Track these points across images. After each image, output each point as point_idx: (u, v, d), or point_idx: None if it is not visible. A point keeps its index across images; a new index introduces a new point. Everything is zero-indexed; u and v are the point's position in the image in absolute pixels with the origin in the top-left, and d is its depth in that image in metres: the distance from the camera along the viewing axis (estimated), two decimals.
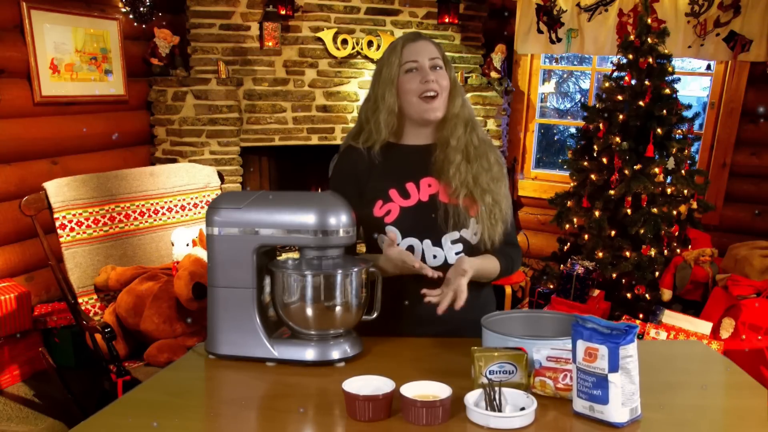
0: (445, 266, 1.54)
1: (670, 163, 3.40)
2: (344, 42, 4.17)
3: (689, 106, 3.51)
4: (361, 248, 1.71)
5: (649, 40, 3.40)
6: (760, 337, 2.90)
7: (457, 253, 1.56)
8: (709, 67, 4.17)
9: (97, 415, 1.17)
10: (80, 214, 2.46)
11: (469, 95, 3.11)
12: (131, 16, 3.66)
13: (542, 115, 5.25)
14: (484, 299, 1.68)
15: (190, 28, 3.97)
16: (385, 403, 1.14)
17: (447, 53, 1.65)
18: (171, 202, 2.76)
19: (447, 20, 4.29)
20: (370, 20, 4.25)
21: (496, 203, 1.57)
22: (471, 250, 1.58)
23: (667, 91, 3.38)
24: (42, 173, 3.22)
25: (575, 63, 6.03)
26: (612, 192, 3.42)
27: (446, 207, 1.55)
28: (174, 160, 3.91)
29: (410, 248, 1.55)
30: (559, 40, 4.37)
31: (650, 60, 3.39)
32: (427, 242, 1.55)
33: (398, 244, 1.55)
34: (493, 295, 1.75)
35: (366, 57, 4.25)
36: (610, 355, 1.10)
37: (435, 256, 1.56)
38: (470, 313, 1.45)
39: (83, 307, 2.43)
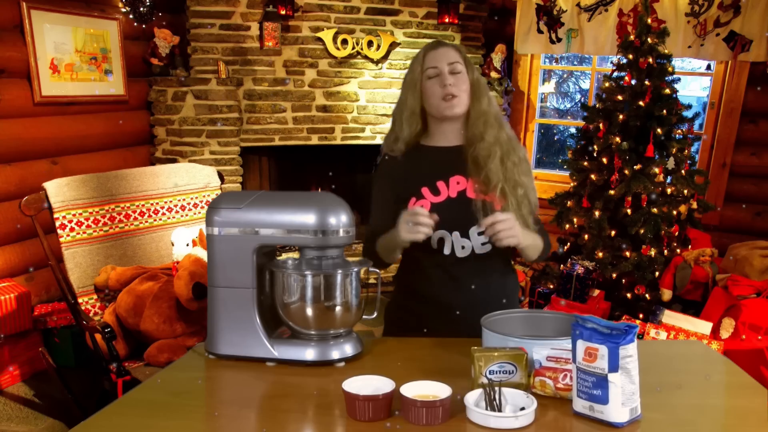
0: (473, 256, 1.64)
1: (670, 163, 3.40)
2: (344, 42, 4.17)
3: (689, 106, 3.51)
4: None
5: (649, 40, 3.40)
6: (760, 337, 2.90)
7: (483, 244, 1.64)
8: (709, 67, 4.17)
9: (97, 415, 1.17)
10: (80, 214, 2.46)
11: None
12: (131, 16, 3.66)
13: (542, 115, 5.25)
14: (512, 281, 1.80)
15: (190, 28, 3.97)
16: (385, 403, 1.14)
17: None
18: (171, 202, 2.76)
19: (447, 20, 4.29)
20: (370, 20, 4.25)
21: (526, 196, 1.65)
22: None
23: (667, 91, 3.38)
24: (42, 173, 3.22)
25: (575, 63, 6.03)
26: (612, 192, 3.42)
27: (473, 202, 1.63)
28: (174, 160, 3.91)
29: (440, 240, 1.65)
30: (559, 40, 4.37)
31: (650, 60, 3.39)
32: (456, 234, 1.64)
33: (430, 235, 1.64)
34: (516, 283, 1.85)
35: (366, 57, 4.25)
36: (610, 355, 1.10)
37: (463, 247, 1.65)
38: (498, 302, 1.57)
39: (83, 307, 2.43)
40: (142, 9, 3.67)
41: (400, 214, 1.63)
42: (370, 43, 4.23)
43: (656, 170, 3.33)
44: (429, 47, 1.69)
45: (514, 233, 1.53)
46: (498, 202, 1.63)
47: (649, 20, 3.45)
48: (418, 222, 1.51)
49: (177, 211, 2.77)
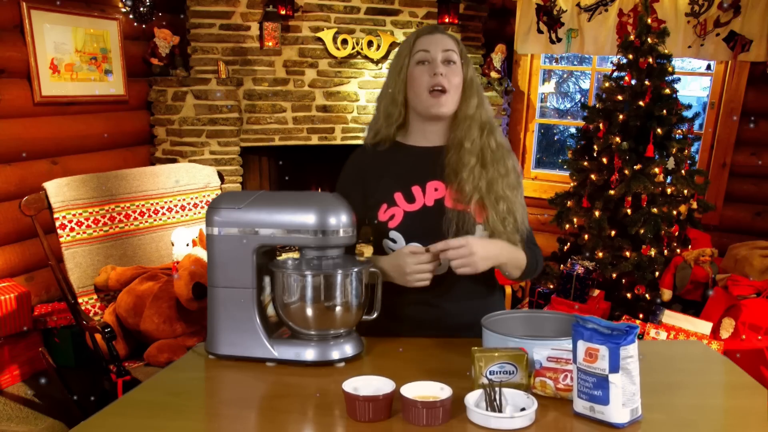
0: (449, 272, 1.50)
1: (670, 163, 3.40)
2: (344, 42, 4.17)
3: (689, 106, 3.51)
4: (367, 250, 1.69)
5: (649, 40, 3.40)
6: (760, 337, 2.90)
7: None
8: (709, 67, 4.17)
9: (97, 415, 1.17)
10: (80, 214, 2.46)
11: None
12: (131, 16, 3.66)
13: (542, 115, 5.25)
14: (493, 303, 1.63)
15: (190, 28, 3.97)
16: (385, 403, 1.14)
17: None
18: (171, 202, 2.75)
19: (447, 20, 4.29)
20: (370, 20, 4.25)
21: (511, 212, 1.50)
22: None
23: (667, 91, 3.38)
24: (42, 173, 3.22)
25: (575, 63, 6.03)
26: (612, 192, 3.42)
27: (451, 213, 1.50)
28: (174, 160, 3.91)
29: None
30: (559, 40, 4.37)
31: (650, 60, 3.39)
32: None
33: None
34: (502, 301, 1.69)
35: (366, 57, 4.25)
36: (610, 356, 1.10)
37: (440, 264, 1.52)
38: (474, 317, 1.43)
39: (83, 307, 2.42)
40: (142, 9, 3.66)
41: (382, 241, 1.47)
42: (370, 43, 4.23)
43: (656, 170, 3.33)
44: (423, 31, 1.51)
45: (468, 262, 1.39)
46: (479, 214, 1.49)
47: (649, 20, 3.45)
48: (419, 270, 1.41)
49: (177, 211, 2.77)
